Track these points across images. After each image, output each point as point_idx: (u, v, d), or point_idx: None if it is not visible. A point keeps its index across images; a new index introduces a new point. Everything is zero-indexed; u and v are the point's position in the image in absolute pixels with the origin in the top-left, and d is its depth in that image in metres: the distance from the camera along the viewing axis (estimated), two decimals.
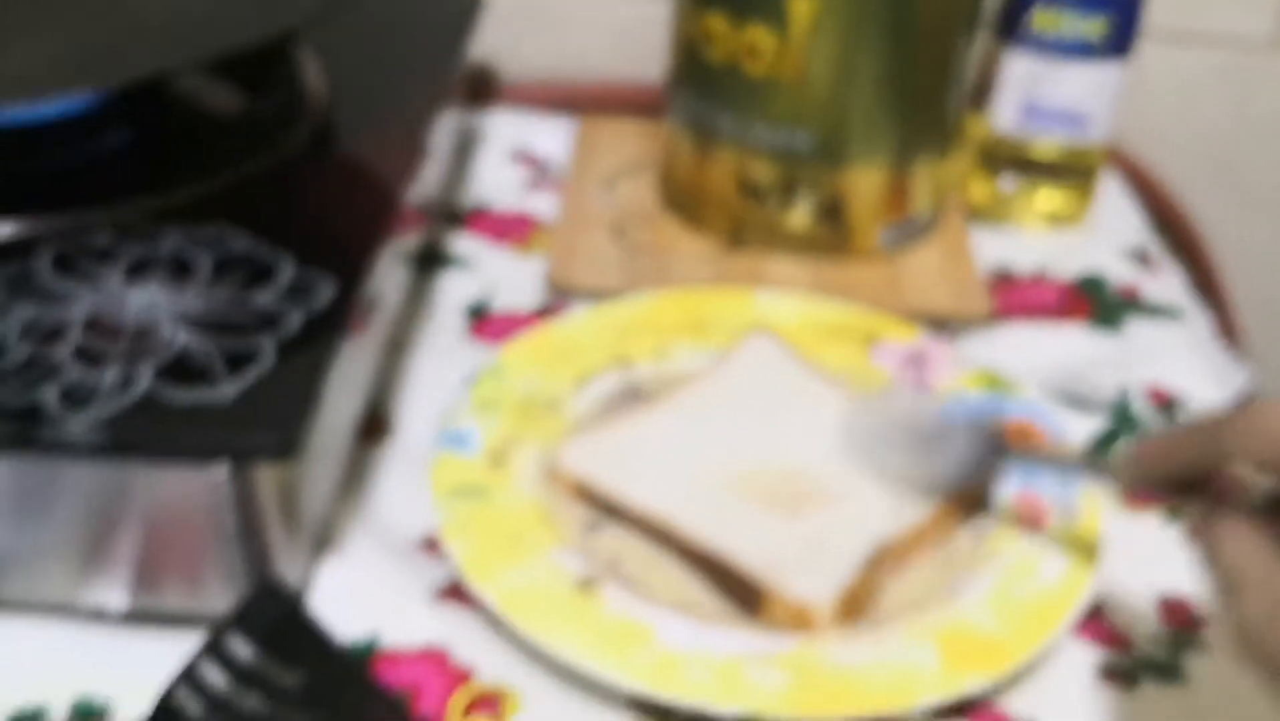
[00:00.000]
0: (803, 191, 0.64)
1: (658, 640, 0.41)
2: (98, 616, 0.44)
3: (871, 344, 0.55)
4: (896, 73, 0.62)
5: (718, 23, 0.62)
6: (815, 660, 0.41)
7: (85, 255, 0.47)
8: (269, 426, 0.40)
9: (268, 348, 0.43)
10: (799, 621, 0.42)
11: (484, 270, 0.65)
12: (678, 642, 0.41)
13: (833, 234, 0.65)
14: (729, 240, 0.66)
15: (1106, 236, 0.71)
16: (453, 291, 0.63)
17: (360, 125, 0.58)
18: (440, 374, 0.57)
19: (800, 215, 0.64)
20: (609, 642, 0.41)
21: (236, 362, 0.42)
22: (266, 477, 0.41)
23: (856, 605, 0.43)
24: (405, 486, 0.50)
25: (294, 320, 0.44)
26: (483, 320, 0.61)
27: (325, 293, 0.46)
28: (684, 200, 0.68)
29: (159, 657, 0.40)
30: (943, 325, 0.61)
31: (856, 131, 0.63)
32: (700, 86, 0.64)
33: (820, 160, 0.63)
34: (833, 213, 0.65)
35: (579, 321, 0.56)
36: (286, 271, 0.47)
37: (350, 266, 0.48)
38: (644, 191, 0.71)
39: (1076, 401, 0.58)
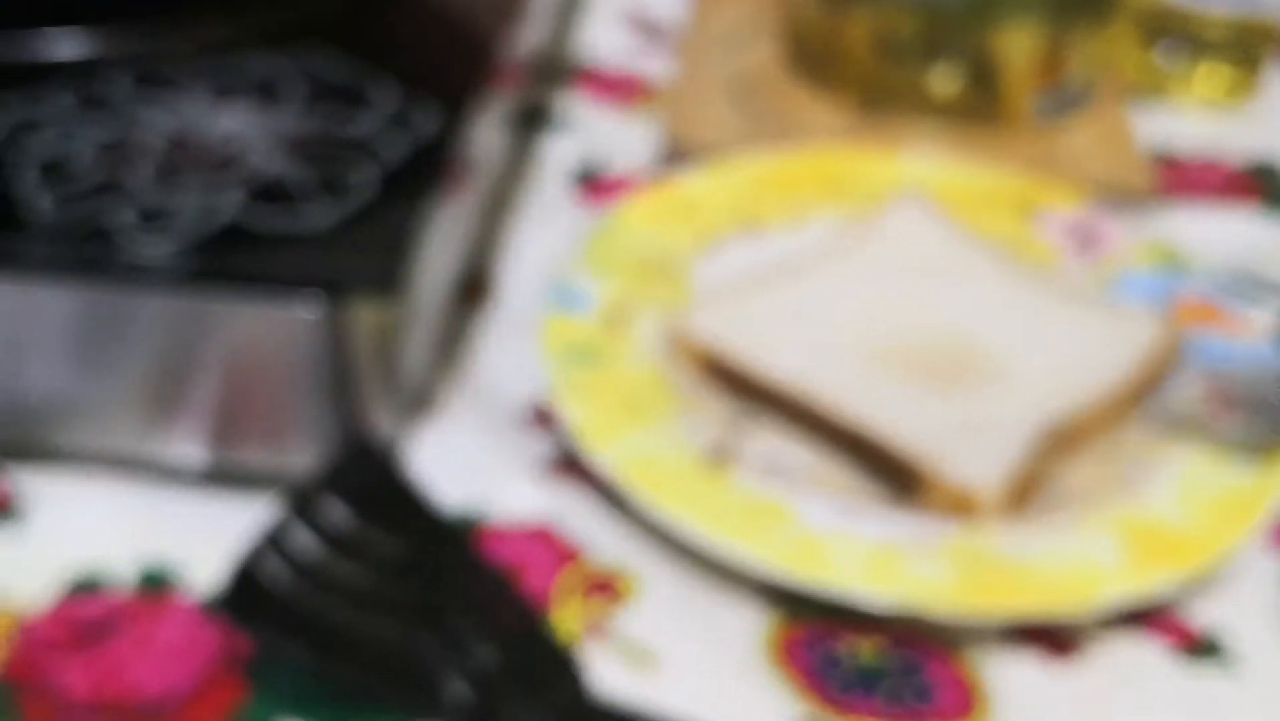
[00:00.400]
0: (948, 51, 0.58)
1: (798, 521, 0.36)
2: (170, 472, 0.40)
3: (1031, 213, 0.49)
4: None
5: None
6: (979, 550, 0.36)
7: (169, 75, 0.42)
8: (368, 259, 0.35)
9: (367, 177, 0.38)
10: (961, 507, 0.37)
11: (593, 132, 0.59)
12: (822, 524, 0.36)
13: (979, 100, 0.59)
14: (862, 106, 0.60)
15: (1276, 121, 0.64)
16: (559, 154, 0.57)
17: None
18: (545, 238, 0.52)
19: (944, 78, 0.58)
20: (742, 521, 0.36)
21: (333, 191, 0.38)
22: (363, 317, 0.36)
23: (1024, 492, 0.38)
24: (509, 352, 0.46)
25: (395, 151, 0.40)
26: (591, 183, 0.56)
27: (429, 124, 0.41)
28: (812, 62, 0.62)
29: (234, 519, 0.36)
30: (1101, 201, 0.55)
31: None
32: None
33: (969, 16, 0.57)
34: (980, 76, 0.58)
35: (703, 179, 0.50)
36: (384, 104, 0.42)
37: (453, 105, 0.43)
38: (768, 54, 0.65)
39: (1253, 288, 0.51)
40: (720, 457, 0.38)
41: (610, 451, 0.38)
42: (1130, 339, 0.42)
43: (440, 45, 0.47)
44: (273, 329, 0.36)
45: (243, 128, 0.40)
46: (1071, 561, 0.35)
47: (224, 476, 0.40)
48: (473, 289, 0.49)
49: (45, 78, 0.42)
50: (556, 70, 0.63)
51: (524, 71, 0.55)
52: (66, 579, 0.37)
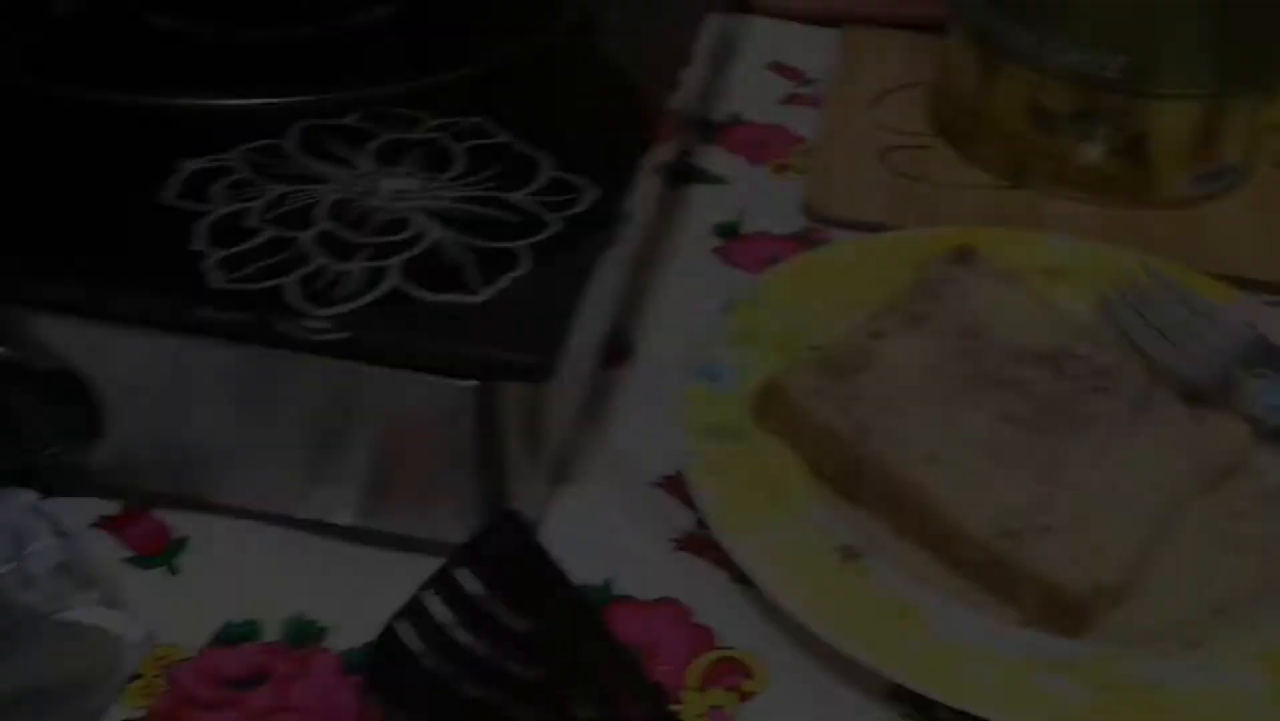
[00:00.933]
0: (1102, 124, 0.56)
1: (930, 626, 0.36)
2: (321, 532, 0.41)
3: None
4: None
5: None
6: (1119, 672, 0.35)
7: (337, 136, 0.44)
8: (523, 341, 0.36)
9: (524, 252, 0.39)
10: (1061, 612, 0.37)
11: (737, 188, 0.59)
12: (953, 633, 0.36)
13: (1131, 175, 0.57)
14: (1010, 174, 0.59)
15: None
16: (703, 210, 0.58)
17: (623, 19, 0.53)
18: (688, 297, 0.52)
19: (1096, 151, 0.57)
20: (875, 622, 0.36)
21: (490, 265, 0.38)
22: (514, 397, 0.37)
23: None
24: (648, 418, 0.46)
25: (553, 225, 0.40)
26: (733, 242, 0.56)
27: (587, 197, 0.41)
28: (961, 126, 0.61)
29: (382, 582, 0.37)
30: (1253, 288, 0.53)
31: (1171, 58, 0.55)
32: None
33: (1126, 89, 0.55)
34: (1133, 151, 0.57)
35: (846, 252, 0.50)
36: (546, 170, 0.43)
37: (614, 171, 0.43)
38: (914, 113, 0.64)
39: None
40: (857, 552, 0.38)
41: (744, 539, 0.38)
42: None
43: (603, 106, 0.47)
44: (427, 403, 0.36)
45: (404, 190, 0.41)
46: (1218, 694, 0.34)
47: (373, 540, 0.40)
48: (614, 351, 0.49)
49: (218, 132, 0.43)
50: (703, 121, 0.64)
51: (678, 126, 0.55)
52: (218, 625, 0.38)
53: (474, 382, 0.36)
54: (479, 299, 0.37)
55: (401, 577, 0.36)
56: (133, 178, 0.42)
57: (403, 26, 0.50)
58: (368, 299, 0.37)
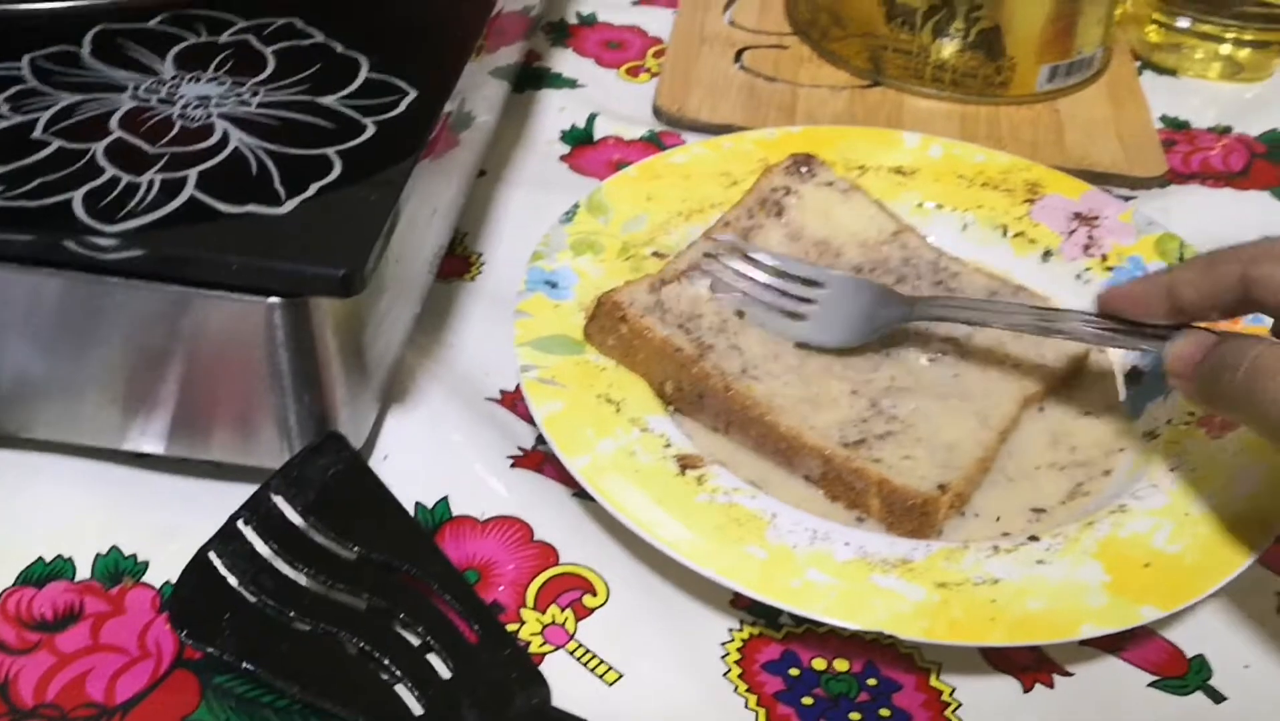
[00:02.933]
0: (956, 17, 0.55)
1: (770, 534, 0.35)
2: (134, 462, 0.38)
3: (1033, 197, 0.47)
4: None
5: None
6: (955, 570, 0.34)
7: (137, 41, 0.41)
8: (331, 254, 0.33)
9: (334, 159, 0.37)
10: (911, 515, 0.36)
11: (588, 92, 0.57)
12: (791, 538, 0.35)
13: (987, 69, 0.56)
14: (867, 73, 0.58)
15: None
16: (552, 115, 0.55)
17: None
18: (534, 207, 0.50)
19: (952, 45, 0.56)
20: (715, 533, 0.35)
21: (298, 173, 0.36)
22: (328, 313, 0.34)
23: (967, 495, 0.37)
24: (488, 333, 0.44)
25: (365, 130, 0.38)
26: (583, 148, 0.54)
27: (404, 100, 0.39)
28: (817, 22, 0.59)
29: (203, 514, 0.35)
30: (1107, 182, 0.53)
31: None
32: None
33: None
34: (989, 44, 0.56)
35: (693, 157, 0.48)
36: (362, 72, 0.40)
37: (435, 72, 0.41)
38: (771, 13, 0.62)
39: None
40: (695, 462, 0.37)
41: (581, 453, 0.36)
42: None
43: (427, 6, 0.45)
44: (234, 322, 0.34)
45: (205, 97, 0.38)
46: (1056, 589, 0.34)
47: (190, 469, 0.38)
48: (455, 262, 0.47)
49: (5, 38, 0.40)
50: (551, 21, 0.61)
51: (519, 23, 0.52)
52: (26, 561, 0.36)
53: (279, 300, 0.33)
54: (283, 210, 0.35)
55: (224, 509, 0.34)
56: None
57: None
58: (162, 212, 0.34)
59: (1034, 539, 0.36)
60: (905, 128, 0.55)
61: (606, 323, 0.40)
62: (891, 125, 0.55)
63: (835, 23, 0.59)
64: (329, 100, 0.39)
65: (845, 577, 0.34)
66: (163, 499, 0.38)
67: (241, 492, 0.37)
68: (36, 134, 0.37)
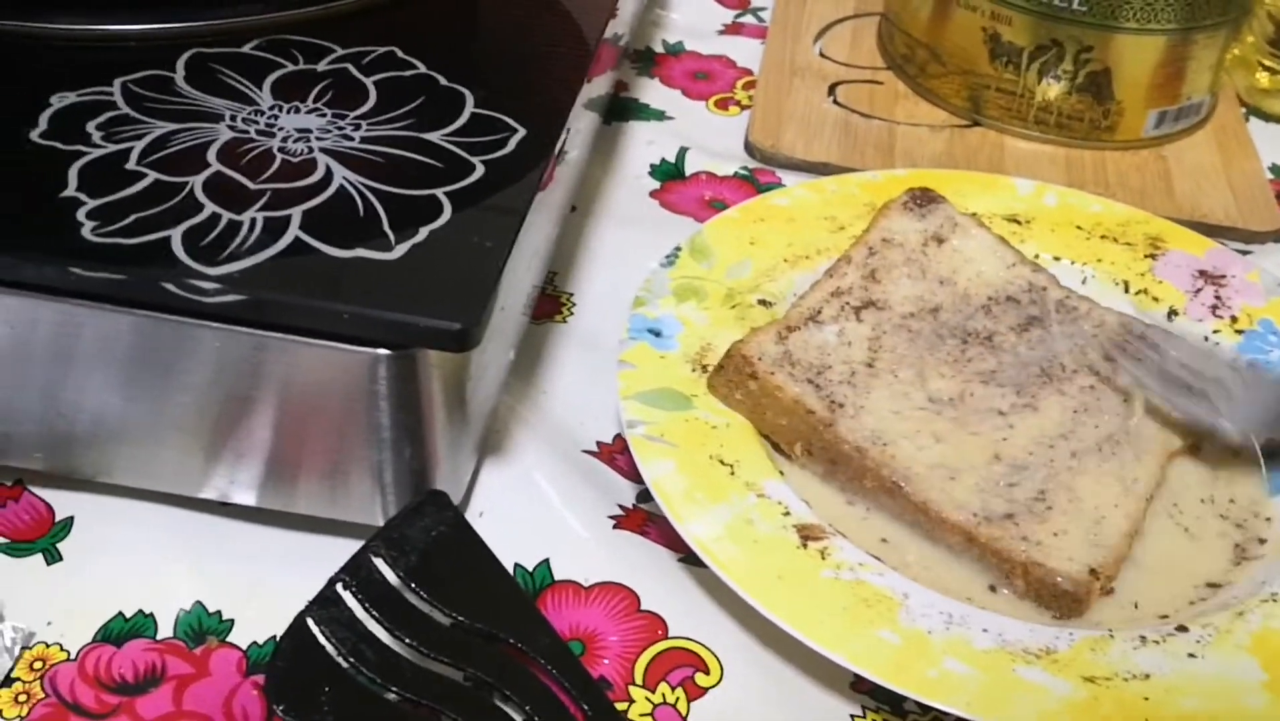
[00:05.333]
0: (1063, 59, 0.53)
1: (902, 616, 0.33)
2: (223, 512, 0.36)
3: (1155, 252, 0.45)
4: None
5: None
6: (1103, 662, 0.32)
7: (232, 66, 0.39)
8: (445, 305, 0.31)
9: (444, 200, 0.35)
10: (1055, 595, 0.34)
11: (676, 124, 0.55)
12: (924, 620, 0.33)
13: (1094, 112, 0.54)
14: (966, 111, 0.56)
15: None
16: (640, 148, 0.53)
17: None
18: (624, 245, 0.48)
19: (1058, 87, 0.54)
20: (842, 614, 0.32)
21: (406, 215, 0.34)
22: (436, 366, 0.32)
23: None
24: (582, 378, 0.42)
25: (476, 170, 0.36)
26: (673, 184, 0.52)
27: (513, 139, 0.37)
28: (915, 59, 0.57)
29: (292, 570, 0.33)
30: (1219, 235, 0.50)
31: None
32: None
33: (1089, 22, 0.52)
34: (1097, 87, 0.54)
35: (796, 199, 0.46)
36: (467, 107, 0.38)
37: (543, 109, 0.39)
38: (864, 45, 0.60)
39: None
40: (817, 533, 0.35)
41: (696, 520, 0.34)
42: None
43: (530, 33, 0.43)
44: (334, 370, 0.32)
45: (306, 129, 0.37)
46: (1210, 684, 0.32)
47: (273, 518, 0.36)
48: (545, 302, 0.45)
49: (97, 61, 0.38)
50: (639, 50, 0.59)
51: (610, 54, 0.50)
52: (102, 623, 0.34)
53: (388, 351, 0.32)
54: (394, 255, 0.33)
55: (314, 565, 0.32)
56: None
57: None
58: (267, 254, 0.32)
59: (1182, 629, 0.33)
60: (1008, 170, 0.53)
61: (734, 377, 0.38)
62: (993, 167, 0.53)
63: (934, 59, 0.56)
64: (435, 137, 0.37)
65: (986, 668, 0.31)
66: (248, 551, 0.36)
67: (329, 547, 0.35)
68: (131, 164, 0.35)
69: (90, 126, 0.36)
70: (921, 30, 0.57)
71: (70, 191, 0.34)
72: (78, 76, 0.38)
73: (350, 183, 0.35)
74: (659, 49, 0.60)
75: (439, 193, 0.35)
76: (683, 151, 0.53)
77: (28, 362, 0.34)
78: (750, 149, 0.54)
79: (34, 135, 0.35)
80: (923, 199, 0.44)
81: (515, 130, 0.37)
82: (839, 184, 0.47)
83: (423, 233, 0.33)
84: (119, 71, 0.38)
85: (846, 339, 0.40)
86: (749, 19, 0.63)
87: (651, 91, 0.57)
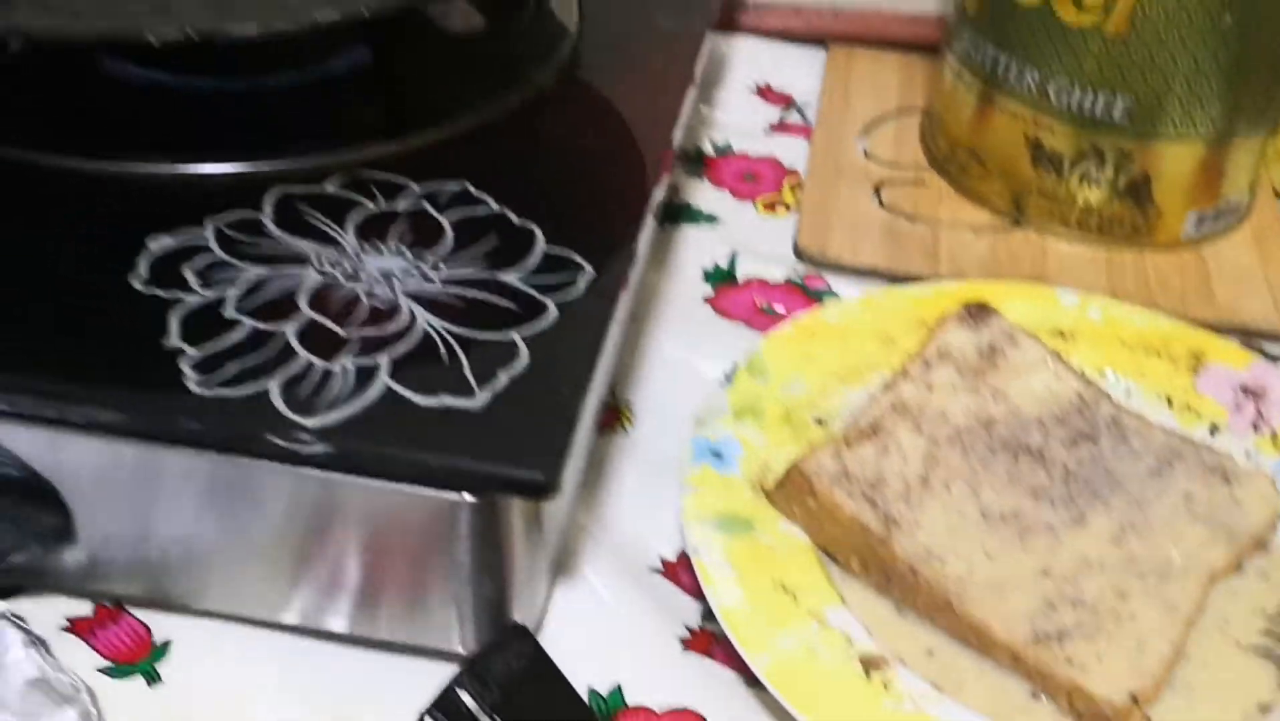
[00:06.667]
0: (1105, 165, 0.55)
1: None
2: (316, 636, 0.38)
3: (1197, 366, 0.47)
4: (1237, 31, 0.52)
5: None
6: None
7: (315, 205, 0.41)
8: (527, 454, 0.33)
9: (521, 344, 0.37)
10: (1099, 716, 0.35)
11: (726, 227, 0.57)
12: None
13: (1134, 216, 0.56)
14: (1008, 212, 0.57)
15: None
16: (692, 251, 0.55)
17: (613, 56, 0.50)
18: (680, 353, 0.50)
19: (1100, 192, 0.55)
20: None
21: (486, 360, 0.36)
22: (518, 510, 0.34)
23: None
24: (646, 493, 0.44)
25: (549, 311, 0.38)
26: (725, 288, 0.54)
27: (583, 279, 0.39)
28: (957, 160, 0.59)
29: (384, 691, 0.35)
30: (1260, 337, 0.52)
31: (1177, 98, 0.53)
32: (996, 27, 0.55)
33: (1131, 130, 0.54)
34: (1137, 191, 0.55)
35: (848, 314, 0.48)
36: (538, 245, 0.40)
37: (610, 247, 0.41)
38: (907, 143, 0.62)
39: None
40: (880, 662, 0.36)
41: (764, 650, 0.36)
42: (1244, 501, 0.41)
43: (595, 160, 0.45)
44: (420, 513, 0.34)
45: (389, 271, 0.39)
46: None
47: (356, 640, 0.38)
48: (606, 410, 0.47)
49: (188, 201, 0.41)
50: (689, 152, 0.61)
51: (670, 164, 0.52)
52: None
53: (472, 498, 0.34)
54: (477, 403, 0.35)
55: (398, 687, 0.34)
56: (95, 254, 0.39)
57: (376, 73, 0.47)
58: (358, 405, 0.34)
59: None
60: (1050, 273, 0.54)
61: (794, 494, 0.40)
62: (1036, 269, 0.55)
63: (975, 160, 0.58)
64: (509, 277, 0.39)
65: None
66: (336, 673, 0.38)
67: (414, 669, 0.37)
68: (228, 312, 0.37)
69: (187, 271, 0.38)
70: (963, 132, 0.58)
71: (174, 341, 0.36)
72: (171, 218, 0.40)
73: (433, 327, 0.37)
74: (708, 149, 0.62)
75: (516, 336, 0.37)
76: (734, 256, 0.55)
77: (130, 499, 0.36)
78: (799, 253, 0.55)
79: (135, 281, 0.38)
80: (977, 313, 0.46)
81: (583, 268, 0.39)
82: (889, 297, 0.49)
83: (502, 378, 0.35)
84: (210, 212, 0.40)
85: (902, 453, 0.42)
86: (794, 117, 0.65)
87: (702, 193, 0.59)
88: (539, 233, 0.41)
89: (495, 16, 0.49)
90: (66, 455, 0.35)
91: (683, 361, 0.50)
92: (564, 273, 0.39)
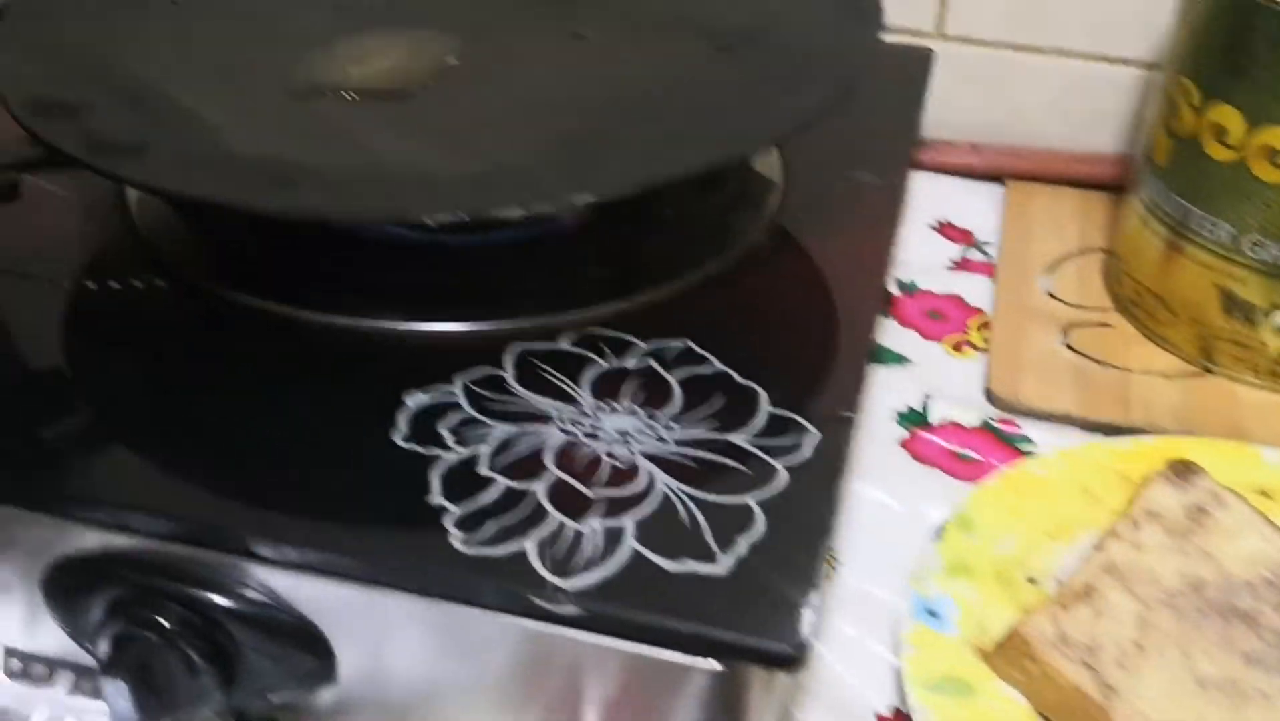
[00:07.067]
0: None
1: None
2: None
3: None
4: None
5: (1230, 118, 0.53)
6: None
7: (552, 362, 0.44)
8: (774, 625, 0.35)
9: (755, 510, 0.39)
10: None
11: (916, 368, 0.59)
12: None
13: None
14: (1199, 359, 0.58)
15: None
16: (885, 393, 0.57)
17: (818, 208, 0.53)
18: (881, 499, 0.51)
19: None
20: None
21: (725, 525, 0.38)
22: (758, 677, 0.36)
23: None
24: (855, 644, 0.45)
25: (780, 475, 0.40)
26: (920, 431, 0.55)
27: (809, 442, 0.41)
28: (1143, 304, 0.60)
29: None
30: None
31: None
32: (1186, 180, 0.56)
33: None
34: None
35: (1050, 468, 0.49)
36: (763, 406, 0.42)
37: (832, 407, 0.42)
38: (1092, 283, 0.63)
39: None
40: None
41: None
42: None
43: (809, 317, 0.47)
44: (664, 677, 0.36)
45: (625, 432, 0.41)
46: None
47: None
48: None
49: (437, 356, 0.44)
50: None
51: None
52: None
53: (720, 666, 0.35)
54: (720, 569, 0.37)
55: None
56: (357, 408, 0.42)
57: (601, 233, 0.50)
58: (609, 568, 0.36)
59: None
60: (1243, 421, 0.55)
61: (1013, 656, 0.41)
62: (1229, 419, 0.55)
63: (1162, 305, 0.59)
64: (739, 439, 0.41)
65: None
66: None
67: None
68: (482, 469, 0.40)
69: (442, 429, 0.41)
70: (1150, 277, 0.59)
71: (436, 498, 0.38)
72: (423, 373, 0.43)
73: (671, 489, 0.39)
74: (893, 288, 0.64)
75: (751, 501, 0.39)
76: (926, 399, 0.57)
77: (389, 644, 0.39)
78: (990, 397, 0.57)
79: (396, 437, 0.41)
80: (1182, 471, 0.47)
81: (808, 430, 0.41)
82: (1090, 452, 0.50)
83: (742, 545, 0.37)
84: (457, 368, 0.43)
85: (1116, 616, 0.43)
86: (975, 254, 0.66)
87: (890, 333, 0.61)
88: (762, 393, 0.43)
89: (710, 180, 0.51)
90: (337, 603, 0.38)
91: (882, 505, 0.51)
92: (790, 435, 0.41)
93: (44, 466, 0.40)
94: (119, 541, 0.39)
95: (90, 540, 0.39)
